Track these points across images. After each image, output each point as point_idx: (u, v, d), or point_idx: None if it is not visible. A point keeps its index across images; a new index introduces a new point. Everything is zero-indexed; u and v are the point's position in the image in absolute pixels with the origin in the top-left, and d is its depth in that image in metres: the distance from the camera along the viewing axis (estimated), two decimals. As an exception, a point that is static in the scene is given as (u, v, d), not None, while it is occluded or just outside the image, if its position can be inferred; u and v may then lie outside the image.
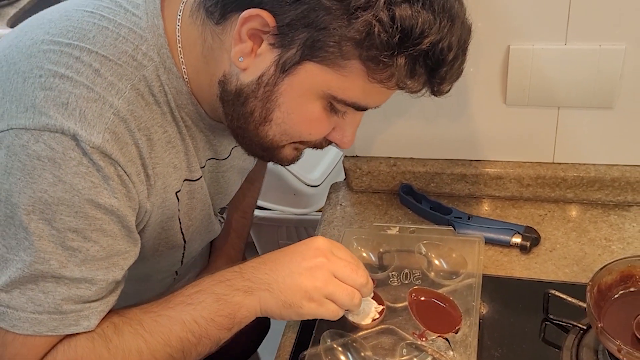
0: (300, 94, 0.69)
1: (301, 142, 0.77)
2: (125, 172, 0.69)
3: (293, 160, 0.80)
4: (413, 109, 1.06)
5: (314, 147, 0.80)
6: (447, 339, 0.82)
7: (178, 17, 0.73)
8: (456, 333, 0.83)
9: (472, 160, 1.10)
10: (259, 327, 1.32)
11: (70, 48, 0.68)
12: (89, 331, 0.72)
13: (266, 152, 0.77)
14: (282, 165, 0.81)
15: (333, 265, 0.77)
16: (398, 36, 0.62)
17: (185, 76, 0.74)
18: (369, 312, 0.84)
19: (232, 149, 0.90)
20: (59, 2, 0.79)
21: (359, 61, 0.66)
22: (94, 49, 0.69)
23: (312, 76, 0.68)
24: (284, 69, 0.68)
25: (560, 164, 1.05)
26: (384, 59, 0.64)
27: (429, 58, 0.66)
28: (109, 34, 0.70)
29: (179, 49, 0.74)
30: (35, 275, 0.68)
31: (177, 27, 0.73)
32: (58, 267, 0.68)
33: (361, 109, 0.73)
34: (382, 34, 0.62)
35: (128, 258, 0.75)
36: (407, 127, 1.10)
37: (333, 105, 0.71)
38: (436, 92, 0.71)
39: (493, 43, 0.95)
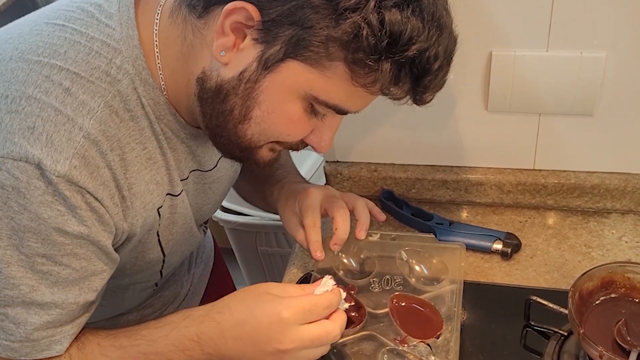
0: (281, 92, 0.68)
1: (278, 143, 0.75)
2: (96, 198, 0.67)
3: (270, 162, 0.78)
4: (394, 115, 1.06)
5: (290, 149, 0.78)
6: (428, 344, 0.82)
7: (156, 20, 0.71)
8: (437, 338, 0.82)
9: (453, 167, 1.10)
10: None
11: (40, 66, 0.66)
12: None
13: (243, 152, 0.75)
14: (258, 167, 0.78)
15: (300, 347, 0.72)
16: (386, 41, 0.62)
17: (162, 84, 0.72)
18: None
19: (219, 159, 0.88)
20: (34, 4, 0.77)
21: (344, 63, 0.65)
22: (65, 65, 0.66)
23: (294, 75, 0.66)
24: (266, 65, 0.66)
25: (540, 170, 1.06)
26: (370, 63, 0.63)
27: (415, 66, 0.65)
28: (81, 49, 0.68)
29: (156, 54, 0.71)
30: (6, 302, 0.67)
31: (155, 31, 0.71)
32: (28, 291, 0.67)
33: (342, 112, 0.71)
34: (370, 37, 0.61)
35: (104, 278, 0.73)
36: (388, 132, 1.09)
37: (313, 106, 0.70)
38: (418, 100, 0.71)
39: (475, 49, 0.95)
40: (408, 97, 0.70)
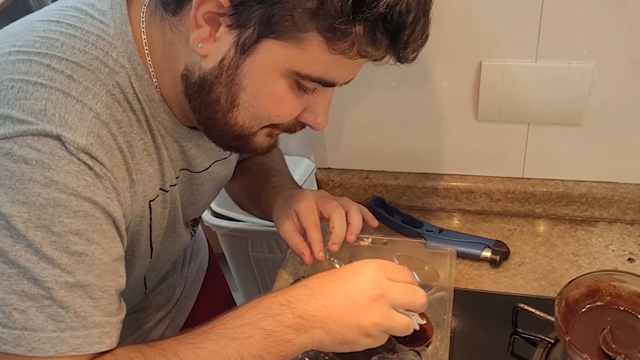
0: (263, 73, 0.68)
1: (273, 127, 0.75)
2: (114, 176, 0.67)
3: (269, 148, 0.78)
4: (386, 123, 1.07)
5: (286, 131, 0.77)
6: (418, 353, 0.82)
7: (141, 19, 0.72)
8: (427, 347, 0.83)
9: (443, 174, 1.11)
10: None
11: (40, 57, 0.66)
12: None
13: (239, 141, 0.75)
14: (257, 154, 0.79)
15: (390, 297, 0.74)
16: (351, 0, 0.61)
17: (155, 82, 0.73)
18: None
19: (214, 162, 0.89)
20: (28, 7, 0.78)
21: (317, 33, 0.64)
22: (64, 56, 0.67)
23: (272, 54, 0.66)
24: (243, 49, 0.66)
25: (529, 179, 1.07)
26: (341, 26, 0.63)
27: (388, 22, 0.64)
28: (78, 42, 0.68)
29: (146, 52, 0.72)
30: (49, 285, 0.63)
31: (142, 30, 0.72)
32: (70, 271, 0.64)
33: (328, 84, 0.71)
34: (336, 0, 0.61)
35: (123, 265, 0.72)
36: (379, 140, 1.10)
37: (300, 83, 0.70)
38: (401, 58, 0.69)
39: (465, 59, 0.96)
40: (390, 57, 0.69)
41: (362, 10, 0.62)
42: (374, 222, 0.96)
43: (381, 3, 0.62)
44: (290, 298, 0.74)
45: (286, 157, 1.16)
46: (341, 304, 0.73)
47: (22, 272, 0.62)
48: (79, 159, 0.64)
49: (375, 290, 0.74)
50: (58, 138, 0.63)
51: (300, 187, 1.02)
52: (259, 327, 0.72)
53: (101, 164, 0.66)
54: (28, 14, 0.78)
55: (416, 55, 0.70)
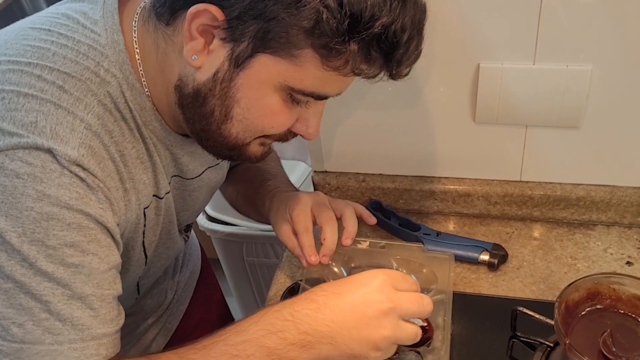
0: (257, 87, 0.68)
1: (266, 137, 0.75)
2: (106, 187, 0.67)
3: (262, 157, 0.79)
4: (383, 125, 1.07)
5: (279, 140, 0.78)
6: (419, 352, 0.82)
7: (134, 28, 0.72)
8: (428, 347, 0.82)
9: (441, 177, 1.10)
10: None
11: (31, 67, 0.66)
12: None
13: (233, 151, 0.75)
14: (251, 162, 0.79)
15: (400, 308, 0.72)
16: (347, 21, 0.61)
17: (146, 90, 0.73)
18: None
19: (206, 169, 0.88)
20: (22, 12, 0.77)
21: (312, 50, 0.65)
22: (55, 66, 0.66)
23: (266, 68, 0.66)
24: (237, 63, 0.66)
25: (527, 182, 1.07)
26: (336, 46, 0.63)
27: (383, 42, 0.64)
28: (69, 52, 0.68)
29: (138, 61, 0.72)
30: (46, 300, 0.63)
31: (134, 39, 0.72)
32: (66, 283, 0.65)
33: (321, 98, 0.71)
34: (331, 20, 0.61)
35: (119, 273, 0.72)
36: (376, 143, 1.10)
37: (293, 96, 0.70)
38: (394, 75, 0.70)
39: (463, 61, 0.96)
40: (383, 73, 0.69)
41: (358, 30, 0.63)
42: (372, 220, 0.95)
43: (377, 23, 0.62)
44: (295, 313, 0.71)
45: (281, 161, 1.16)
46: (350, 317, 0.71)
47: (18, 287, 0.63)
48: (71, 172, 0.63)
49: (385, 304, 0.71)
50: (49, 151, 0.62)
51: (296, 189, 1.02)
52: (260, 344, 0.69)
53: (93, 175, 0.65)
54: (22, 17, 0.78)
55: (409, 72, 0.71)
